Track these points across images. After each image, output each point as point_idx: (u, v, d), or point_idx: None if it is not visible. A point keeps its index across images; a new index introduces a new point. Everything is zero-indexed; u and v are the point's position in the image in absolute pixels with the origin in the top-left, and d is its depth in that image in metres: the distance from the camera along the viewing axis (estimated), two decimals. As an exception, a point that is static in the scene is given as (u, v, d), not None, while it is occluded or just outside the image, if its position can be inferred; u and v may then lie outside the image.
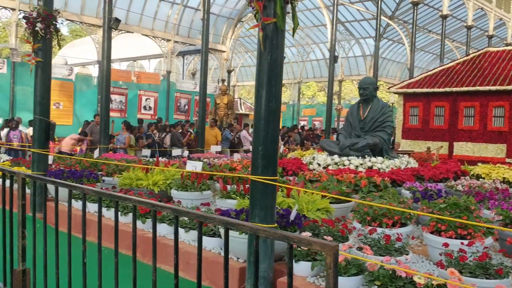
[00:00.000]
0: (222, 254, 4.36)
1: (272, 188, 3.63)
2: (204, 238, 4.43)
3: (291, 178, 6.91)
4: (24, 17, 6.56)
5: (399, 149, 13.81)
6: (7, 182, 3.87)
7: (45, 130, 6.73)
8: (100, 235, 2.89)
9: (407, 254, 3.87)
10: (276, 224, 3.78)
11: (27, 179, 3.56)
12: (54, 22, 6.56)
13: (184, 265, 4.36)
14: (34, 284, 3.37)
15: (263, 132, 3.58)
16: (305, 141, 17.89)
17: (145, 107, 19.10)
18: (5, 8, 15.20)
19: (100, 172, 7.80)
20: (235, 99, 25.36)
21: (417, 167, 8.61)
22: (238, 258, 4.19)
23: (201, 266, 2.32)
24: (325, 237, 4.00)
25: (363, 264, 3.47)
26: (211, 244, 4.49)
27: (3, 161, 9.02)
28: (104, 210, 5.65)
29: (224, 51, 22.71)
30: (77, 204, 6.10)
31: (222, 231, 4.33)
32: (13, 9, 15.27)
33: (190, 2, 20.44)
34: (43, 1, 6.56)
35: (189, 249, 4.52)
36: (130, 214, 5.49)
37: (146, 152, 11.54)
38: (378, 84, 12.54)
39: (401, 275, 3.21)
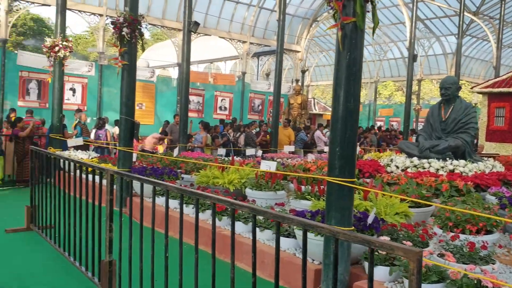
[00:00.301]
0: (297, 254, 4.36)
1: (349, 190, 3.58)
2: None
3: (368, 180, 6.77)
4: (111, 22, 6.91)
5: (483, 152, 13.06)
6: (96, 178, 4.15)
7: (130, 130, 7.06)
8: (181, 231, 3.01)
9: (493, 264, 3.65)
10: (353, 227, 3.72)
11: (114, 175, 3.79)
12: (139, 27, 6.88)
13: (258, 264, 4.40)
14: (119, 274, 3.58)
15: (340, 132, 3.54)
16: (381, 142, 17.41)
17: (220, 108, 19.55)
18: (94, 14, 16.23)
19: (179, 170, 8.11)
20: (308, 99, 25.24)
21: (504, 171, 8.10)
22: (313, 260, 4.17)
23: (279, 266, 2.35)
24: (404, 242, 3.88)
25: (444, 271, 3.33)
26: (285, 244, 4.50)
27: (92, 158, 9.63)
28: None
29: (298, 51, 22.67)
30: (157, 200, 6.36)
31: (297, 232, 4.33)
32: (100, 15, 16.27)
33: (266, 4, 20.63)
34: (129, 6, 6.90)
35: (264, 248, 4.56)
36: (207, 211, 5.65)
37: (222, 151, 11.81)
38: (460, 83, 11.93)
39: (487, 285, 3.03)
